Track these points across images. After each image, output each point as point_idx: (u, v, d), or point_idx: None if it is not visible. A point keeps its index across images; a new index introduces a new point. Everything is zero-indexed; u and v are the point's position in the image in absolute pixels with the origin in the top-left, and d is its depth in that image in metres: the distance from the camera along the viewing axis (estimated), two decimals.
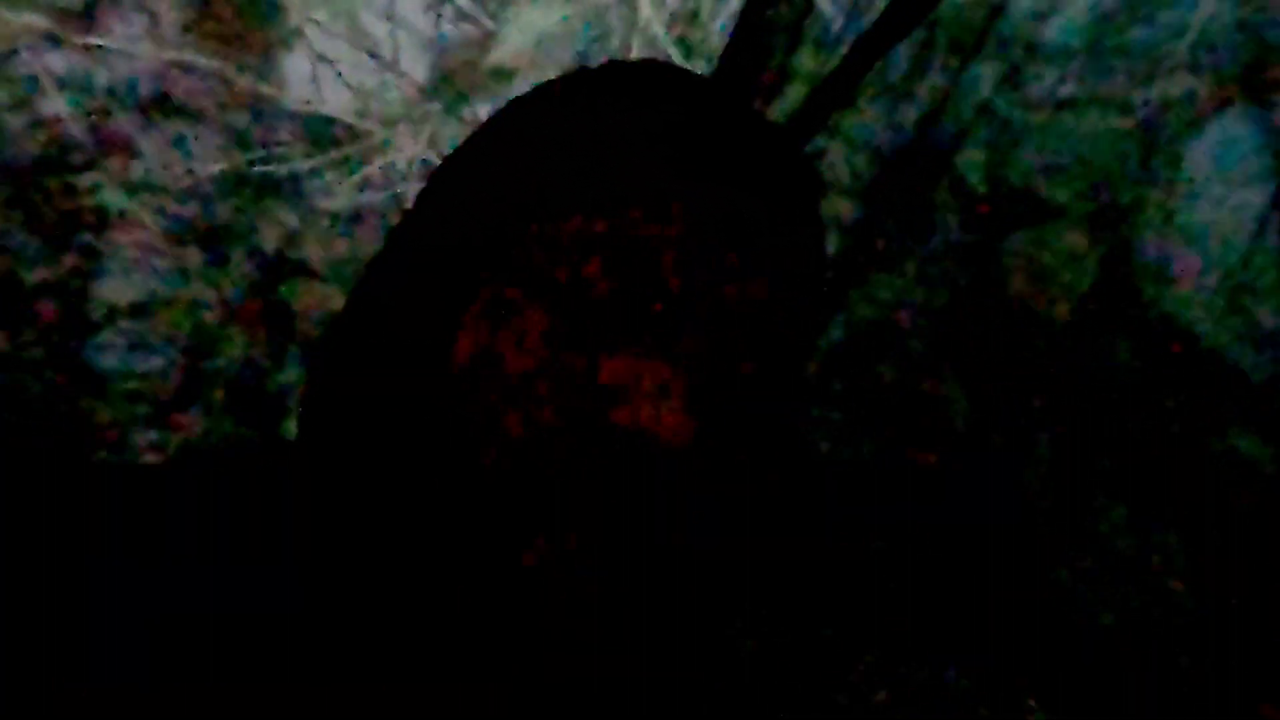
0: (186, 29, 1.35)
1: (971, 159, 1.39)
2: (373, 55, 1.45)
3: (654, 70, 0.79)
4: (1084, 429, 1.48)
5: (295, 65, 1.44)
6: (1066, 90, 1.30)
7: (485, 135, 0.77)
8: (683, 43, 1.45)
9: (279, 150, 1.53)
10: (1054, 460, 1.52)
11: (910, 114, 1.38)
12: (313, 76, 1.45)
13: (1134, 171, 1.31)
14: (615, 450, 0.62)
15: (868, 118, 1.39)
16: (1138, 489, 1.44)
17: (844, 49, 1.30)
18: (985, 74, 1.32)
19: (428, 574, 0.59)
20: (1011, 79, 1.31)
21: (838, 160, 1.40)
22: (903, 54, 1.35)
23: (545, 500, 0.62)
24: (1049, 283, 1.38)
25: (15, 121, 1.42)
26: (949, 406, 1.58)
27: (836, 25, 1.31)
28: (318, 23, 1.41)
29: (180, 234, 1.61)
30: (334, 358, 0.74)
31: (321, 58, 1.44)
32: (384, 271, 0.76)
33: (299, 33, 1.41)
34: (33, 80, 1.35)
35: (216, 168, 1.53)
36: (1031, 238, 1.39)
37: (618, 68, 0.79)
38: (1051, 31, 1.26)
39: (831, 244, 1.45)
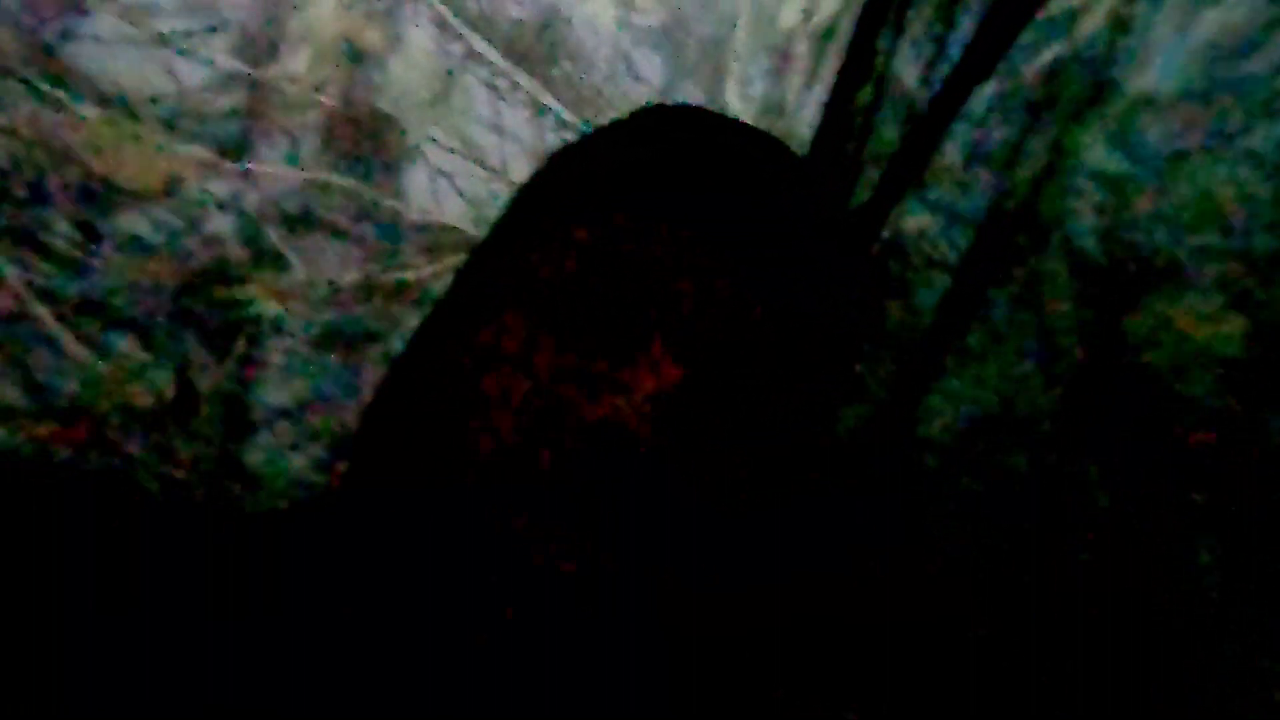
0: (322, 151, 1.53)
1: (1084, 223, 1.29)
2: (483, 165, 1.57)
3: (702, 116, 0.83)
4: (1252, 523, 1.27)
5: (416, 179, 1.58)
6: (1181, 141, 1.20)
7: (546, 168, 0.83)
8: (770, 132, 1.48)
9: (404, 259, 1.67)
10: (1220, 565, 1.31)
11: (1010, 180, 1.32)
12: (431, 189, 1.59)
13: (1269, 224, 1.16)
14: (599, 454, 0.61)
15: (964, 187, 1.34)
16: None
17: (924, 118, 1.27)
18: (1086, 131, 1.24)
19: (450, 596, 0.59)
20: (1117, 133, 1.23)
21: (933, 232, 1.35)
22: (996, 120, 1.30)
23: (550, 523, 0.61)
24: (1185, 352, 1.23)
25: (188, 242, 1.64)
26: (1091, 499, 1.41)
27: (918, 97, 1.29)
28: (434, 140, 1.56)
29: (322, 340, 1.77)
30: (381, 400, 0.78)
31: (439, 171, 1.58)
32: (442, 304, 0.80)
33: (418, 150, 1.56)
34: (199, 204, 1.57)
35: (351, 277, 1.68)
36: (1161, 304, 1.25)
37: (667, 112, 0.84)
38: (1151, 78, 1.18)
39: (927, 322, 1.37)
